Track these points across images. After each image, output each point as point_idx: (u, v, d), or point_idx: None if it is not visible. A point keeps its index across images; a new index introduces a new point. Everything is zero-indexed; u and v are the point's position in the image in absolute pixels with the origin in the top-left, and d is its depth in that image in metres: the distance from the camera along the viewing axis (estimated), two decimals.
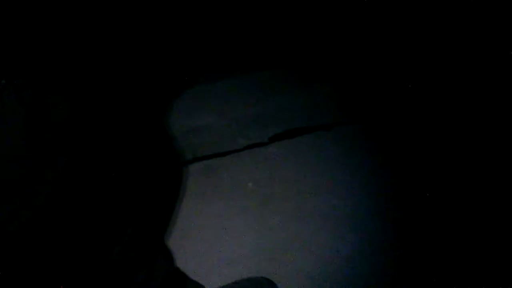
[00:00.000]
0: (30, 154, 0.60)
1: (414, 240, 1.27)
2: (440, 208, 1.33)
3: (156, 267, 0.92)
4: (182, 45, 1.73)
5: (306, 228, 1.33)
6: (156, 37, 1.68)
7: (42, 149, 0.61)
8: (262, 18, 1.74)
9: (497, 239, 1.25)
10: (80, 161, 0.69)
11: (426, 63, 1.58)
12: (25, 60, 0.60)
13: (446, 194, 1.37)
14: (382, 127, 1.58)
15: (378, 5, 1.63)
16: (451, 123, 1.53)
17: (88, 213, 0.74)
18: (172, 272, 1.01)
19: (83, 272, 0.75)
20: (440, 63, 1.57)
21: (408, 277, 1.20)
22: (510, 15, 1.46)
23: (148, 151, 1.52)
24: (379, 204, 1.36)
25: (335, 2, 1.69)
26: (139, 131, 1.53)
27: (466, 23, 1.52)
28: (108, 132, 0.83)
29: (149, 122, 1.57)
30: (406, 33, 1.61)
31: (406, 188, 1.40)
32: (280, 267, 1.25)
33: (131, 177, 1.45)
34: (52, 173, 0.64)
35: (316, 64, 1.64)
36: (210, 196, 1.44)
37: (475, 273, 1.19)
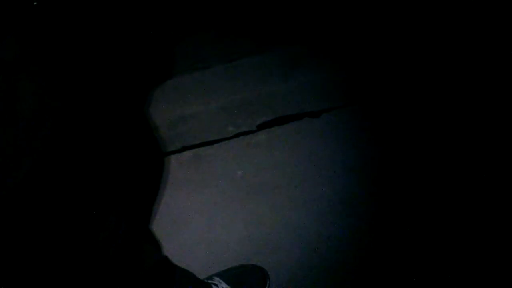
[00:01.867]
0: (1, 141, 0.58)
1: (404, 226, 1.28)
2: (431, 194, 1.34)
3: (144, 255, 0.91)
4: (167, 34, 1.72)
5: (296, 216, 1.33)
6: (141, 27, 1.66)
7: (8, 144, 0.59)
8: (248, 5, 1.72)
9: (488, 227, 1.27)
10: (58, 153, 0.67)
11: (419, 51, 1.58)
12: None
13: (437, 180, 1.38)
14: (371, 113, 1.58)
15: None
16: (443, 109, 1.54)
17: (71, 204, 0.72)
18: (161, 260, 1.01)
19: (66, 264, 0.74)
20: (435, 52, 1.57)
21: (398, 262, 1.21)
22: (510, 15, 1.46)
23: (136, 141, 1.51)
24: (369, 190, 1.37)
25: None
26: (127, 121, 1.51)
27: (466, 23, 1.52)
28: (92, 124, 0.82)
29: (136, 111, 1.56)
30: (395, 19, 1.61)
31: (396, 174, 1.41)
32: (270, 254, 1.25)
33: (119, 167, 1.44)
34: (27, 160, 0.62)
35: (303, 51, 1.64)
36: (199, 185, 1.44)
37: (465, 260, 1.21)
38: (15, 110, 0.58)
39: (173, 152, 1.54)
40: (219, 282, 1.14)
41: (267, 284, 1.19)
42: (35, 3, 0.64)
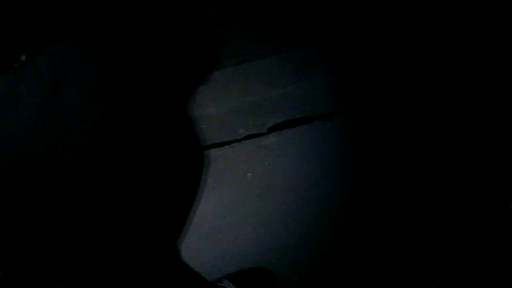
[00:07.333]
0: (45, 135, 0.60)
1: (412, 231, 1.27)
2: (437, 200, 1.33)
3: (154, 257, 0.92)
4: (180, 36, 1.72)
5: (306, 218, 1.33)
6: (155, 30, 1.66)
7: (57, 131, 0.61)
8: (259, 7, 1.72)
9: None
10: (97, 146, 0.69)
11: (426, 55, 1.57)
12: (45, 36, 0.58)
13: (442, 186, 1.37)
14: (381, 116, 1.57)
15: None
16: (450, 116, 1.53)
17: (90, 206, 0.74)
18: (171, 262, 1.01)
19: (85, 267, 0.75)
20: (439, 57, 1.56)
21: (406, 264, 1.20)
22: (510, 15, 1.45)
23: (146, 142, 1.51)
24: (379, 193, 1.36)
25: None
26: (138, 122, 1.52)
27: (466, 23, 1.51)
28: (114, 122, 0.83)
29: (146, 113, 1.56)
30: (404, 24, 1.60)
31: (405, 178, 1.40)
32: (280, 257, 1.25)
33: (130, 169, 1.45)
34: (69, 156, 0.63)
35: (315, 53, 1.63)
36: (209, 187, 1.44)
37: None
38: (60, 105, 0.59)
39: (183, 154, 1.54)
40: (228, 284, 1.14)
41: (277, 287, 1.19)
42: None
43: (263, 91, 1.58)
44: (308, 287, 1.20)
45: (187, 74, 1.66)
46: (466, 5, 1.51)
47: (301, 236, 1.29)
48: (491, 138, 1.43)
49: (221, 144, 1.56)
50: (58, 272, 0.73)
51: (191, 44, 1.72)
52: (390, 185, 1.38)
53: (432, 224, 1.28)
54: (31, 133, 0.58)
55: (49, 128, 0.60)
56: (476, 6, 1.49)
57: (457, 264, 1.20)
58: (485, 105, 1.48)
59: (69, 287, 0.74)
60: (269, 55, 1.67)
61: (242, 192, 1.41)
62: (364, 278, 1.19)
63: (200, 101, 1.59)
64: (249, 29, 1.72)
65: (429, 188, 1.36)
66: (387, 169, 1.43)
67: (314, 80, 1.58)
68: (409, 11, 1.60)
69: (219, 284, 1.13)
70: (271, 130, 1.57)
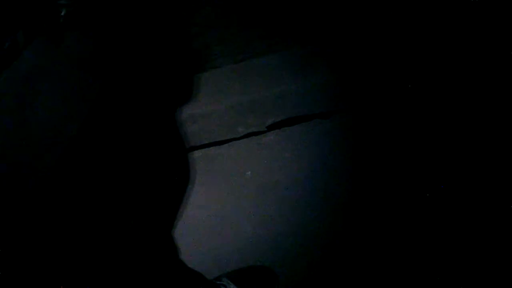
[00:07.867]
0: (18, 148, 0.59)
1: (412, 231, 1.27)
2: (437, 200, 1.33)
3: (156, 256, 0.91)
4: (179, 35, 1.71)
5: (304, 216, 1.32)
6: (151, 25, 1.65)
7: (31, 140, 0.60)
8: (259, 7, 1.72)
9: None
10: (75, 154, 0.68)
11: (426, 55, 1.57)
12: (14, 49, 0.58)
13: (442, 186, 1.36)
14: (381, 116, 1.57)
15: None
16: (450, 116, 1.53)
17: (88, 208, 0.73)
18: (171, 261, 1.01)
19: (84, 269, 0.75)
20: (439, 57, 1.56)
21: (406, 264, 1.20)
22: (510, 15, 1.45)
23: (145, 141, 1.50)
24: (379, 193, 1.36)
25: None
26: (136, 120, 1.51)
27: (466, 23, 1.52)
28: (104, 123, 0.82)
29: (144, 111, 1.55)
30: (404, 24, 1.60)
31: (405, 178, 1.39)
32: (279, 255, 1.24)
33: (129, 168, 1.44)
34: (48, 161, 0.62)
35: (314, 52, 1.63)
36: (208, 185, 1.43)
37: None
38: (36, 114, 0.59)
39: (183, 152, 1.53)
40: (228, 283, 1.13)
41: (276, 286, 1.18)
42: (62, 13, 0.65)
43: (262, 90, 1.57)
44: (308, 287, 1.20)
45: (186, 72, 1.65)
46: (466, 5, 1.51)
47: (300, 234, 1.28)
48: (491, 138, 1.43)
49: (220, 142, 1.55)
50: (57, 272, 0.72)
51: (190, 42, 1.71)
52: (390, 184, 1.38)
53: (432, 224, 1.28)
54: (5, 145, 0.58)
55: (19, 139, 0.59)
56: (476, 6, 1.50)
57: (457, 264, 1.20)
58: (485, 105, 1.48)
59: (68, 287, 0.73)
60: (268, 54, 1.66)
61: (241, 190, 1.40)
62: (364, 278, 1.19)
63: (199, 99, 1.58)
64: (248, 28, 1.71)
65: (429, 188, 1.36)
66: (387, 168, 1.42)
67: (313, 78, 1.58)
68: (409, 11, 1.60)
69: (219, 282, 1.13)
70: (270, 128, 1.56)
